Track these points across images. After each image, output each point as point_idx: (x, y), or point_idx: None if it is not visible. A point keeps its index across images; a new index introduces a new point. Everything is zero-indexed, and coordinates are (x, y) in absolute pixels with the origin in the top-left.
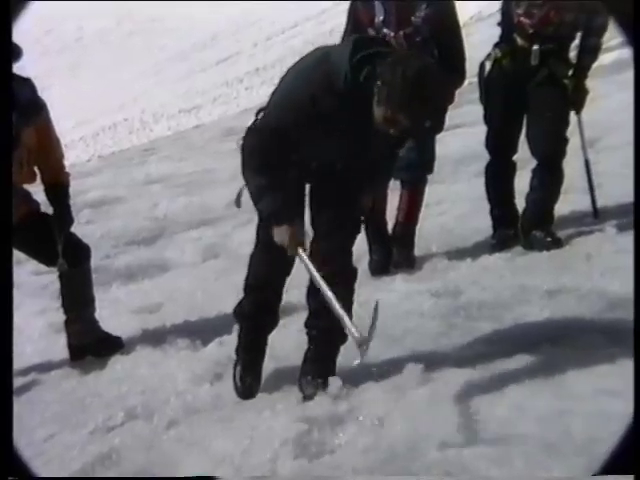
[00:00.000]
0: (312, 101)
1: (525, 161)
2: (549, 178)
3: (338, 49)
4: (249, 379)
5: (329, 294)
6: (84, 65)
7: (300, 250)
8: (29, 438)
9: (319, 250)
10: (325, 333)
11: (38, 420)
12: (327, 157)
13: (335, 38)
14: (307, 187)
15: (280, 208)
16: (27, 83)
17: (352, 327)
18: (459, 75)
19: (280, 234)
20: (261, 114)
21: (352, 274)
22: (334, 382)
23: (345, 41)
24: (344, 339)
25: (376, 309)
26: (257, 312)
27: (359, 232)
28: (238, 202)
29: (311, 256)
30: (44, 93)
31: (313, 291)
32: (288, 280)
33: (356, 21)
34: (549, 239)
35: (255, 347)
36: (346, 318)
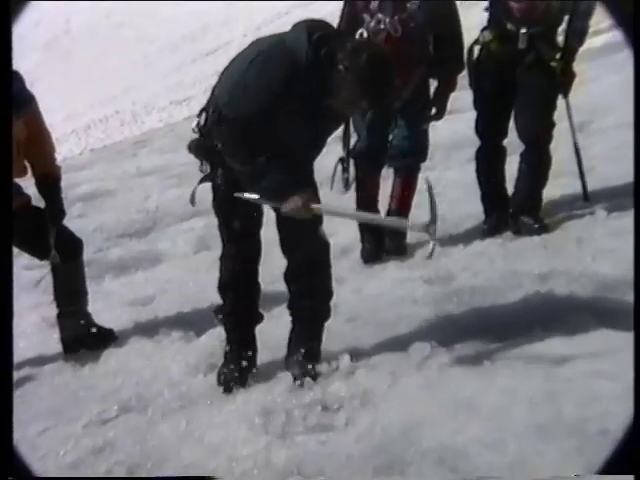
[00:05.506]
0: (281, 81)
1: (516, 146)
2: (536, 162)
3: (290, 34)
4: (229, 375)
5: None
6: (74, 58)
7: (315, 208)
8: (23, 432)
9: None
10: (308, 312)
11: (32, 414)
12: (301, 135)
13: None
14: None
15: (286, 179)
16: (15, 76)
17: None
18: (458, 62)
19: (292, 203)
20: (203, 115)
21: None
22: (328, 366)
23: (294, 27)
24: (327, 316)
25: (430, 188)
26: (238, 308)
27: None
28: (192, 200)
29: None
30: (34, 86)
31: (291, 273)
32: (276, 272)
33: (351, 6)
34: (536, 225)
35: (240, 342)
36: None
